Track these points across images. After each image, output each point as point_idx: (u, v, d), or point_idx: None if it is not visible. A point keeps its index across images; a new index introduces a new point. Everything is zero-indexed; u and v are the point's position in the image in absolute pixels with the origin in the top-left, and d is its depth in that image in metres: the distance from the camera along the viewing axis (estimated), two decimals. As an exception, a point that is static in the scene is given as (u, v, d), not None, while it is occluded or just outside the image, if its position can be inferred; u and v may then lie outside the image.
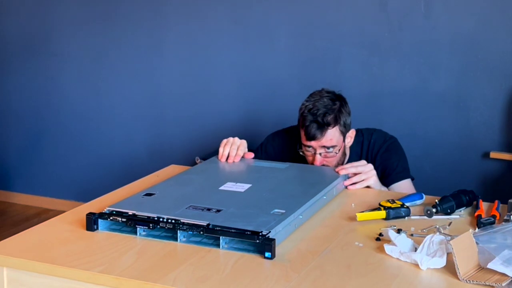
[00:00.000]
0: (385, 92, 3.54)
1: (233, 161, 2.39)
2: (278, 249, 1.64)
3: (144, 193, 1.99)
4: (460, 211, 2.00)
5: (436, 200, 1.99)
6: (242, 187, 2.06)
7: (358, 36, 3.57)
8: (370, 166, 2.27)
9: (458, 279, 1.52)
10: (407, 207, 1.96)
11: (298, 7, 3.68)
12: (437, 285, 1.53)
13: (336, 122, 2.42)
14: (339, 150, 2.46)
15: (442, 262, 1.58)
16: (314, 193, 2.01)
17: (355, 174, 2.25)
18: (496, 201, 2.02)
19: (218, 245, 1.68)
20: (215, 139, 3.86)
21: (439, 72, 3.44)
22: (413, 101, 3.49)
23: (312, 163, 2.46)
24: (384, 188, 2.35)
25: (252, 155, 2.44)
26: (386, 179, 2.46)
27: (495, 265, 1.52)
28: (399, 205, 1.95)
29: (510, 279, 1.49)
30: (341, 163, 2.48)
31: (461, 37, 3.37)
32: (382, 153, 2.54)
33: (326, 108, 2.42)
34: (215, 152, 2.47)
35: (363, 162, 2.30)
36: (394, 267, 1.60)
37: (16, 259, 1.64)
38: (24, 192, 4.59)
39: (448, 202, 1.97)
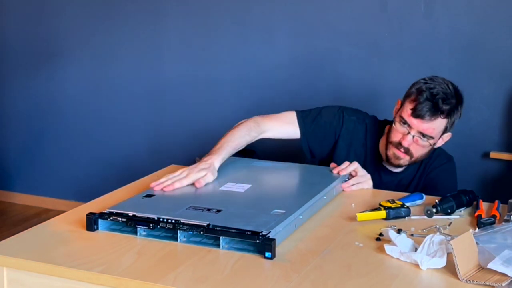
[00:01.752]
0: (385, 92, 3.54)
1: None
2: (278, 249, 1.64)
3: (144, 194, 1.98)
4: (460, 211, 2.00)
5: (436, 200, 1.99)
6: (242, 187, 2.06)
7: (358, 36, 3.57)
8: (368, 174, 2.25)
9: (458, 279, 1.52)
10: (407, 207, 1.96)
11: (298, 7, 3.68)
12: (437, 285, 1.53)
13: (449, 115, 2.28)
14: (432, 144, 2.32)
15: (442, 262, 1.58)
16: (314, 193, 2.01)
17: (351, 176, 2.24)
18: (496, 201, 2.02)
19: (218, 245, 1.68)
20: (215, 139, 3.86)
21: (439, 72, 3.42)
22: (413, 101, 3.49)
23: (397, 141, 2.33)
24: None
25: (202, 184, 2.09)
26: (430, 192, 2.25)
27: (495, 265, 1.52)
28: (399, 205, 1.95)
29: (510, 279, 1.49)
30: (422, 158, 2.36)
31: (461, 37, 3.37)
32: (438, 168, 2.44)
33: (447, 96, 2.26)
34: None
35: (363, 171, 2.25)
36: (394, 267, 1.60)
37: (16, 259, 1.64)
38: (24, 192, 4.59)
39: (448, 202, 1.97)
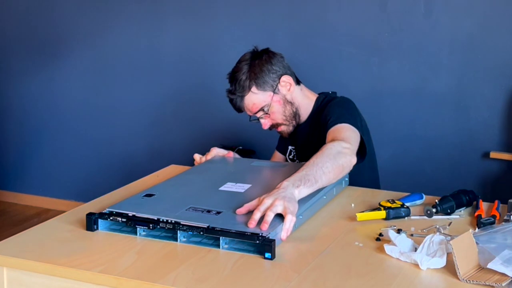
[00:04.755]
0: (385, 92, 3.54)
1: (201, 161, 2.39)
2: (278, 249, 1.64)
3: (144, 194, 1.98)
4: (460, 211, 2.00)
5: (436, 200, 1.98)
6: (242, 187, 2.05)
7: (358, 36, 3.57)
8: (268, 199, 1.79)
9: (458, 279, 1.52)
10: (407, 207, 1.96)
11: (298, 7, 3.68)
12: (437, 285, 1.53)
13: (249, 86, 2.41)
14: (269, 106, 2.43)
15: (442, 262, 1.58)
16: (314, 193, 2.00)
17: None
18: (496, 201, 2.02)
19: (218, 245, 1.68)
20: (215, 139, 3.87)
21: (439, 72, 3.44)
22: (413, 101, 3.49)
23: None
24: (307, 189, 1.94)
25: (231, 154, 2.44)
26: (325, 129, 2.26)
27: (495, 265, 1.52)
28: (399, 205, 1.95)
29: (510, 279, 1.49)
30: (289, 112, 2.47)
31: (461, 37, 3.37)
32: (327, 107, 2.41)
33: (236, 78, 2.41)
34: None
35: (261, 203, 1.79)
36: (394, 267, 1.60)
37: (16, 259, 1.64)
38: (24, 192, 4.59)
39: (448, 202, 1.97)
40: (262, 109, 2.44)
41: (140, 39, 4.08)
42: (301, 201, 1.91)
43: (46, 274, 1.61)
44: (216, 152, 2.43)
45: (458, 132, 3.43)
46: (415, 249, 1.64)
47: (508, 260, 1.53)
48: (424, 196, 2.10)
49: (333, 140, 2.13)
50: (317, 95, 2.56)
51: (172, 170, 2.46)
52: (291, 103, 2.49)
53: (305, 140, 2.52)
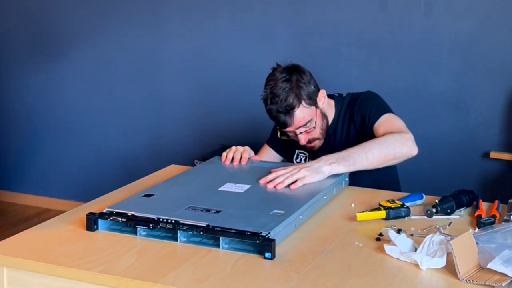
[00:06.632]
0: (385, 92, 3.52)
1: (239, 163, 2.35)
2: (278, 249, 1.64)
3: (144, 194, 1.98)
4: (460, 211, 2.00)
5: (436, 200, 1.99)
6: (241, 187, 2.05)
7: (358, 36, 3.57)
8: (298, 168, 2.13)
9: (458, 279, 1.52)
10: (407, 207, 1.96)
11: (298, 7, 3.68)
12: (437, 285, 1.53)
13: (299, 100, 2.37)
14: (315, 121, 2.43)
15: (442, 262, 1.58)
16: (314, 193, 2.01)
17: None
18: (496, 201, 2.02)
19: (218, 245, 1.68)
20: (215, 139, 3.87)
21: (439, 72, 3.44)
22: (413, 101, 3.49)
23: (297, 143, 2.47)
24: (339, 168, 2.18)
25: (257, 158, 2.43)
26: (367, 124, 2.41)
27: (495, 265, 1.52)
28: (399, 205, 1.95)
29: (510, 279, 1.49)
30: (325, 126, 2.48)
31: (461, 37, 3.37)
32: (358, 104, 2.49)
33: (285, 92, 2.36)
34: (215, 153, 2.46)
35: (289, 168, 2.14)
36: (394, 267, 1.60)
37: (16, 259, 1.64)
38: (24, 192, 4.59)
39: (448, 202, 1.97)
40: (306, 124, 2.41)
41: (140, 39, 4.08)
42: (301, 201, 1.91)
43: (46, 274, 1.61)
44: (249, 152, 2.41)
45: (458, 132, 3.43)
46: (415, 249, 1.64)
47: (508, 260, 1.53)
48: (424, 196, 2.10)
49: (386, 132, 2.28)
50: (332, 100, 2.56)
51: (172, 170, 2.46)
52: (326, 116, 2.51)
53: (330, 146, 2.51)
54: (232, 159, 2.36)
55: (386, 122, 2.38)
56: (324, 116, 2.49)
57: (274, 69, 2.46)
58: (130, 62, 4.13)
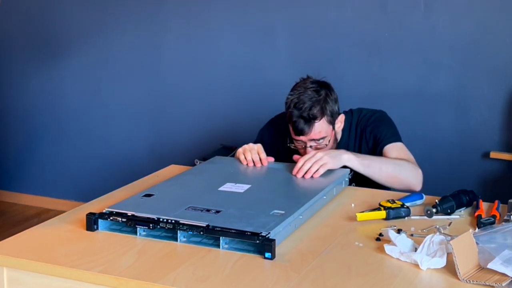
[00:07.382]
0: (385, 92, 3.54)
1: (261, 165, 2.34)
2: (278, 249, 1.64)
3: (144, 194, 1.98)
4: (460, 211, 2.00)
5: (436, 200, 1.99)
6: (241, 187, 2.05)
7: (358, 36, 3.57)
8: (320, 153, 2.24)
9: (458, 279, 1.52)
10: (407, 207, 1.96)
11: (298, 7, 3.68)
12: (437, 285, 1.53)
13: (322, 114, 2.38)
14: (329, 140, 2.43)
15: (442, 262, 1.58)
16: (314, 193, 2.01)
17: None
18: (496, 201, 2.02)
19: (218, 245, 1.68)
20: (215, 139, 3.87)
21: (439, 72, 3.44)
22: (413, 101, 3.49)
23: (304, 153, 2.42)
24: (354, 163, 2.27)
25: (272, 159, 2.40)
26: (378, 145, 2.45)
27: (495, 265, 1.52)
28: (399, 205, 1.95)
29: (510, 279, 1.49)
30: (333, 142, 2.48)
31: (461, 37, 3.37)
32: (371, 124, 2.51)
33: (312, 101, 2.36)
34: (215, 153, 2.46)
35: (311, 153, 2.25)
36: (394, 267, 1.60)
37: (16, 259, 1.64)
38: (24, 192, 4.59)
39: (448, 202, 1.97)
40: (319, 140, 2.40)
41: (140, 39, 4.08)
42: (301, 201, 1.91)
43: (46, 274, 1.61)
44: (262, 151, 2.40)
45: (458, 132, 3.43)
46: (415, 249, 1.64)
47: (508, 260, 1.53)
48: (424, 196, 2.10)
49: (399, 157, 2.36)
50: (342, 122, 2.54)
51: (172, 170, 2.46)
52: (336, 141, 2.52)
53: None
54: (254, 161, 2.35)
55: (400, 149, 2.44)
56: (335, 140, 2.50)
57: (304, 79, 2.47)
58: (130, 62, 4.13)
